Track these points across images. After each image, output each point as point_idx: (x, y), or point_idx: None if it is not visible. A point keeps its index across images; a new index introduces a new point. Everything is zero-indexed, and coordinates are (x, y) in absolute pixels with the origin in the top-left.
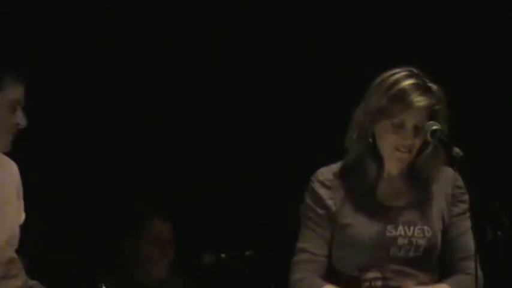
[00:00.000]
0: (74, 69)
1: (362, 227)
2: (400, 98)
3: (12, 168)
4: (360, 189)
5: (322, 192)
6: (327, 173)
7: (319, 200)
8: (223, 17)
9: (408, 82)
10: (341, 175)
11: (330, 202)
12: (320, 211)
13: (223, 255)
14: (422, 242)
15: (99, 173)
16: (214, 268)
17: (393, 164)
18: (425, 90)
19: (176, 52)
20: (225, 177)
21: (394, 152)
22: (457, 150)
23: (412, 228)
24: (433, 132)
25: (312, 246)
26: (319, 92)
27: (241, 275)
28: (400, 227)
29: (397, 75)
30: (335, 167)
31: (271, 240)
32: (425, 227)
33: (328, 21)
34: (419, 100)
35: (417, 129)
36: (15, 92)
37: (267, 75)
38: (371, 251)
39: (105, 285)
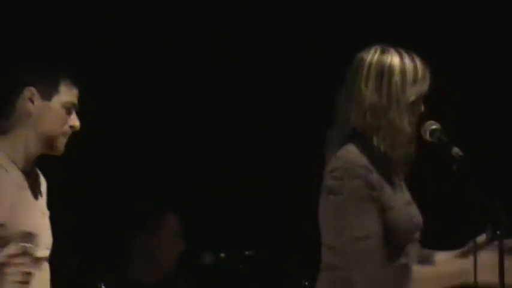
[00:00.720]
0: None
1: (401, 209)
2: (425, 77)
3: (42, 178)
4: (388, 171)
5: (371, 176)
6: (360, 158)
7: (370, 183)
8: (223, 17)
9: (418, 61)
10: (367, 159)
11: (377, 185)
12: (374, 193)
13: (222, 254)
14: (421, 220)
15: (100, 173)
16: (214, 268)
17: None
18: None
19: (176, 52)
20: (225, 177)
21: (415, 129)
22: (456, 149)
23: (414, 207)
24: (433, 131)
25: (377, 231)
26: (319, 92)
27: (241, 275)
28: (413, 206)
29: (408, 59)
30: (356, 152)
31: (271, 240)
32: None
33: (328, 21)
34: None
35: None
36: (71, 95)
37: (267, 75)
38: (408, 233)
39: (104, 285)
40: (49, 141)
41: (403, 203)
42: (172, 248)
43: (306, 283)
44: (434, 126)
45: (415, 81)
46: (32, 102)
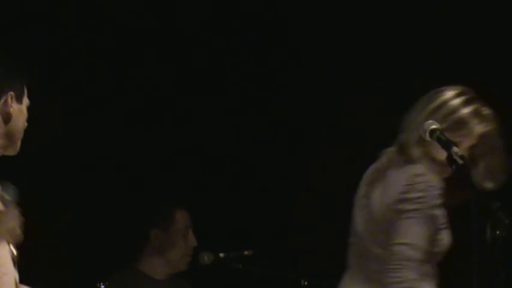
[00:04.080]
0: (78, 70)
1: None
2: (461, 124)
3: None
4: None
5: None
6: None
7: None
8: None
9: (469, 109)
10: None
11: None
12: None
13: (221, 254)
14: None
15: (100, 172)
16: (213, 267)
17: (440, 176)
18: (483, 117)
19: (177, 51)
20: (224, 176)
21: (446, 167)
22: (455, 149)
23: None
24: (432, 131)
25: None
26: (318, 93)
27: (240, 275)
28: None
29: (458, 100)
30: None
31: (270, 240)
32: None
33: (328, 21)
34: (478, 128)
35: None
36: (26, 96)
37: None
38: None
39: (104, 285)
40: (16, 142)
41: None
42: (183, 244)
43: (306, 283)
44: (434, 126)
45: None
46: (11, 106)
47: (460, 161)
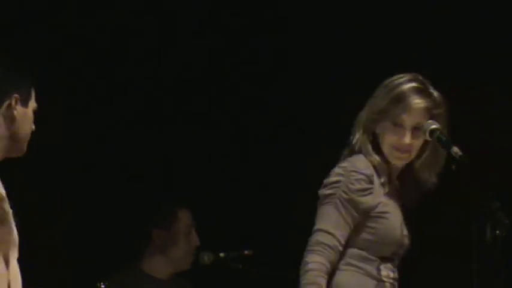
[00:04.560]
0: (78, 70)
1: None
2: (399, 99)
3: None
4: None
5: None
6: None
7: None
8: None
9: (409, 85)
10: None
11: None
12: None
13: (221, 254)
14: (408, 242)
15: (100, 172)
16: (213, 267)
17: (393, 162)
18: (424, 94)
19: (177, 51)
20: (224, 176)
21: (393, 151)
22: (456, 149)
23: (405, 228)
24: (432, 131)
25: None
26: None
27: (239, 275)
28: (403, 226)
29: (400, 80)
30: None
31: (270, 240)
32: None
33: (328, 21)
34: (418, 102)
35: (416, 130)
36: (34, 99)
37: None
38: (396, 245)
39: (104, 285)
40: (22, 145)
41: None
42: (185, 243)
43: None
44: (434, 125)
45: None
46: (15, 109)
47: (461, 162)
